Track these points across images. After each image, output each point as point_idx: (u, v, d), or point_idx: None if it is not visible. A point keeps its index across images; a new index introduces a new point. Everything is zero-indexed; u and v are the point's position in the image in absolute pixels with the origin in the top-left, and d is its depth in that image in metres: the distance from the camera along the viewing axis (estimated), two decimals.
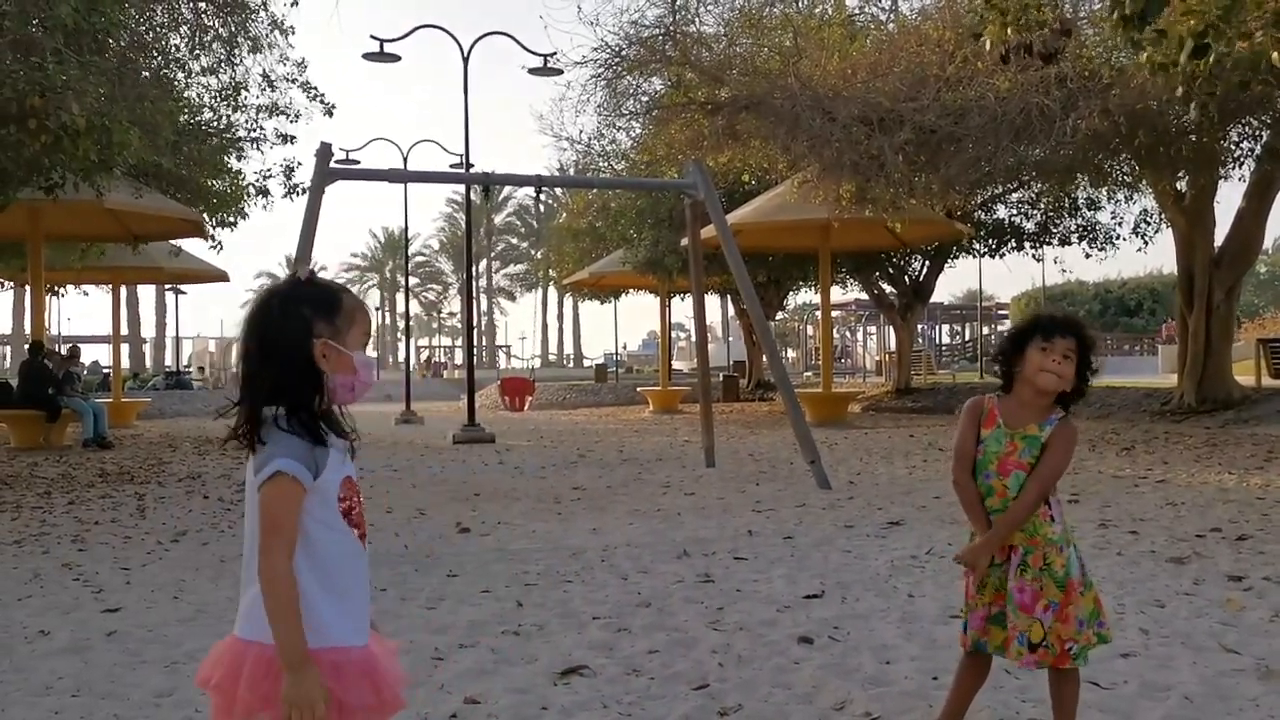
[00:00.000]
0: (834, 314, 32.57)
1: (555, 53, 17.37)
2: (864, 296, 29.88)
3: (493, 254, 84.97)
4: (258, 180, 16.55)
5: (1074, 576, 3.00)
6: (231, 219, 16.90)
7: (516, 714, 3.54)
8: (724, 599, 5.19)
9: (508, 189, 71.86)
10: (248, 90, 15.71)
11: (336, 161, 10.44)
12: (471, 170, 17.87)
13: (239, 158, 16.57)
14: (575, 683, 3.88)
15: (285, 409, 2.01)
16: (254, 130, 16.54)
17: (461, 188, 43.17)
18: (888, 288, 24.80)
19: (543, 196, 12.59)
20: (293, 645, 1.93)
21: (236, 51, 15.88)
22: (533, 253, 78.06)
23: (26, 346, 16.92)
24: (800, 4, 17.16)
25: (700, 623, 4.72)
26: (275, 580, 1.95)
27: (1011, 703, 3.55)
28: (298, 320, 2.04)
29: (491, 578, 5.79)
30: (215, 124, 16.21)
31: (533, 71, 17.68)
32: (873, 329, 49.91)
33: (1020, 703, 3.54)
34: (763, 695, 3.70)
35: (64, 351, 17.05)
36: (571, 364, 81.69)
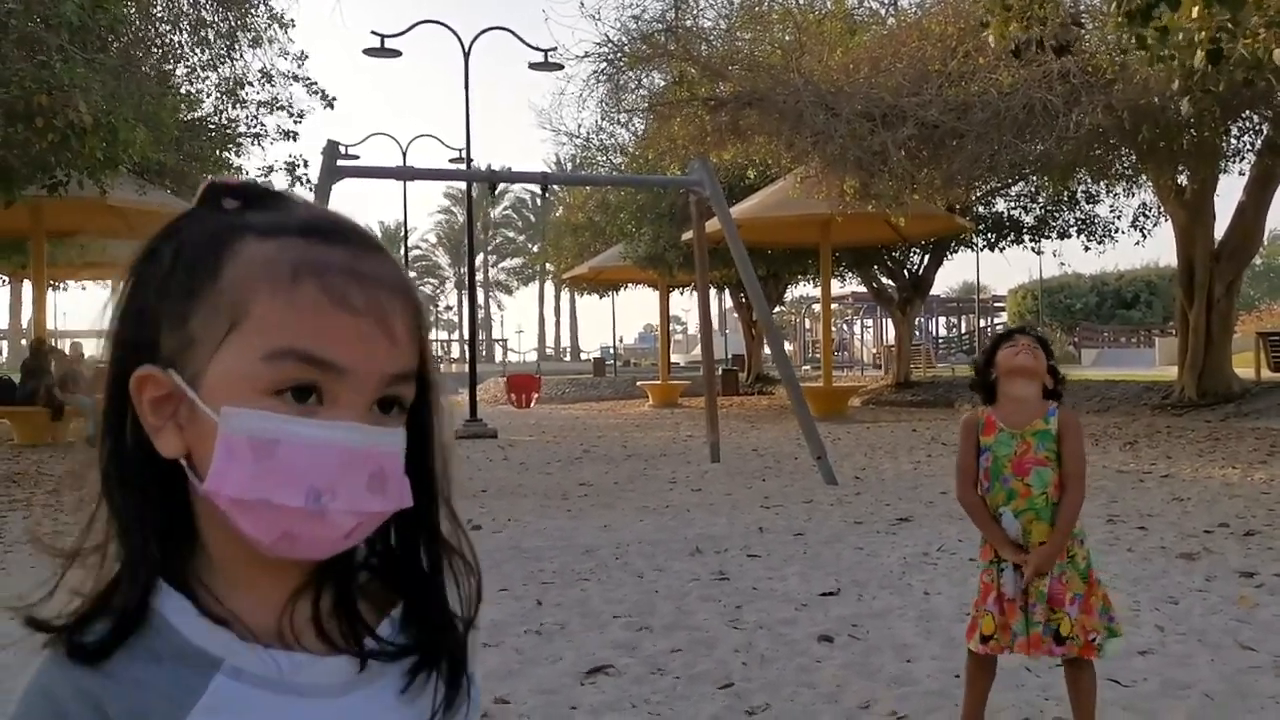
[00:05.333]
0: (832, 307, 32.61)
1: (556, 47, 17.39)
2: (861, 289, 29.94)
3: (490, 248, 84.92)
4: (259, 176, 16.56)
5: (1093, 568, 3.10)
6: None
7: (547, 714, 3.58)
8: (741, 597, 5.23)
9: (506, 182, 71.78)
10: (251, 85, 15.70)
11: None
12: (474, 166, 17.89)
13: (239, 154, 16.58)
14: (601, 682, 3.92)
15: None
16: (254, 126, 16.56)
17: (459, 182, 43.08)
18: (887, 281, 24.86)
19: (546, 192, 12.60)
20: None
21: (236, 46, 15.90)
22: (530, 247, 78.05)
23: (24, 343, 16.91)
24: None
25: (720, 621, 4.76)
26: None
27: (1035, 700, 3.59)
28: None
29: (507, 576, 5.82)
30: (216, 120, 16.21)
31: (534, 66, 17.69)
32: (869, 322, 49.99)
33: (1044, 700, 3.59)
34: (788, 694, 3.74)
35: (67, 349, 17.05)
36: (569, 357, 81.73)
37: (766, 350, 25.63)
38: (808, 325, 51.29)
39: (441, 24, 17.95)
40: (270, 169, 16.31)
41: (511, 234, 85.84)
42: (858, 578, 5.62)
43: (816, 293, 23.54)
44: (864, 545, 6.54)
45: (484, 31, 18.33)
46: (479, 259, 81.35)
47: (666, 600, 5.19)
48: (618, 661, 4.15)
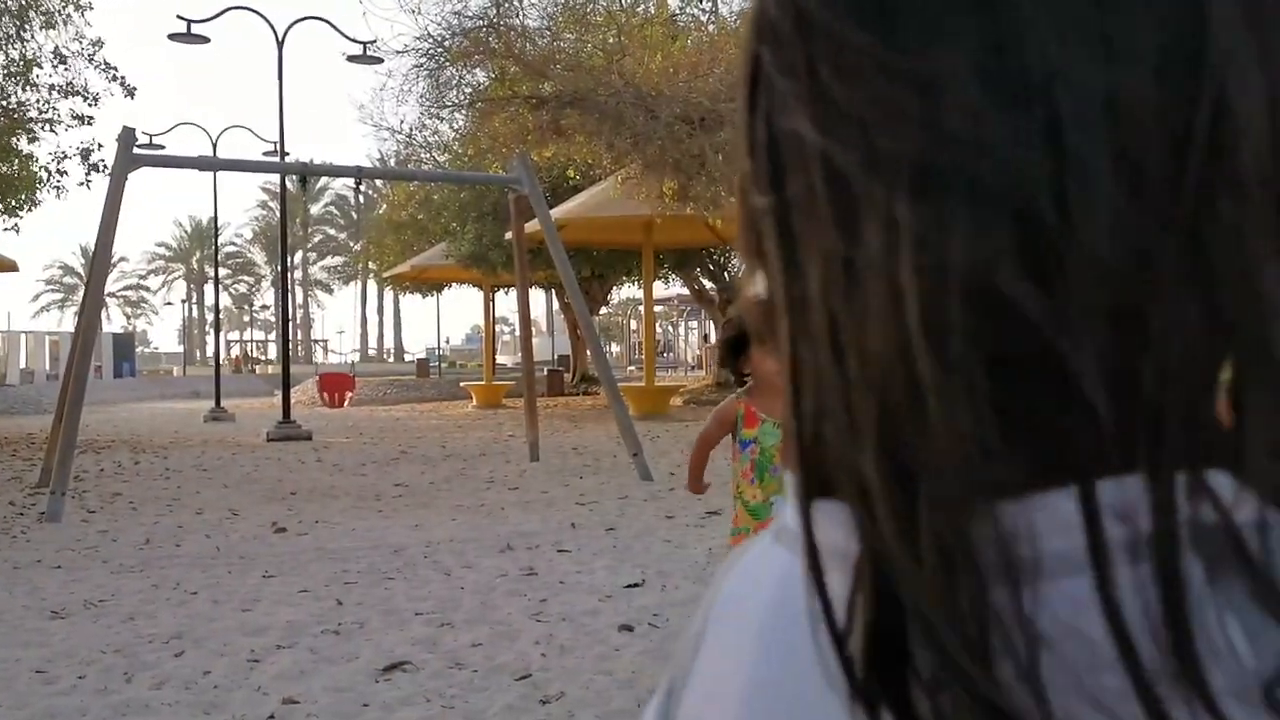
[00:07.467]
0: (657, 309, 33.10)
1: (375, 40, 17.02)
2: (686, 292, 30.47)
3: (309, 245, 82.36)
4: (51, 163, 15.57)
5: None
6: (22, 206, 15.84)
7: (336, 712, 3.51)
8: (547, 591, 5.25)
9: (326, 178, 69.83)
10: (40, 68, 14.76)
11: (139, 147, 9.94)
12: (288, 159, 17.32)
13: (30, 140, 15.56)
14: (397, 678, 3.86)
15: None
16: (46, 111, 15.57)
17: (275, 177, 41.69)
18: (708, 283, 25.38)
19: (363, 187, 12.32)
20: None
21: (27, 27, 14.93)
22: (351, 244, 76.15)
23: None
24: (623, 1, 17.36)
25: (523, 615, 4.77)
26: None
27: None
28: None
29: (310, 577, 5.67)
30: (4, 103, 15.17)
31: (351, 59, 17.28)
32: (694, 324, 50.95)
33: None
34: (584, 682, 3.78)
35: None
36: (392, 358, 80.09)
37: None
38: (634, 326, 51.86)
39: (253, 11, 17.33)
40: (64, 155, 15.37)
41: (332, 231, 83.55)
42: (664, 569, 5.72)
43: (642, 293, 23.89)
44: (673, 538, 6.66)
45: (298, 21, 17.78)
46: (297, 257, 78.86)
47: (472, 596, 5.15)
48: (416, 657, 4.10)
